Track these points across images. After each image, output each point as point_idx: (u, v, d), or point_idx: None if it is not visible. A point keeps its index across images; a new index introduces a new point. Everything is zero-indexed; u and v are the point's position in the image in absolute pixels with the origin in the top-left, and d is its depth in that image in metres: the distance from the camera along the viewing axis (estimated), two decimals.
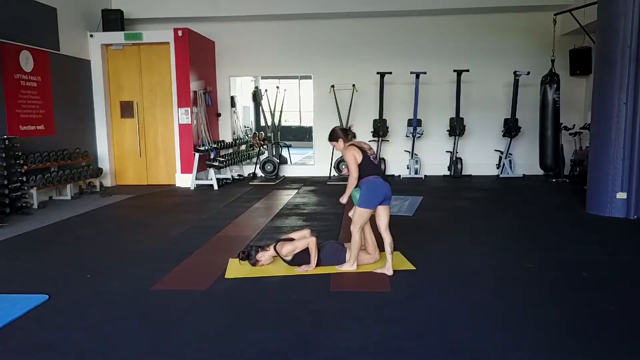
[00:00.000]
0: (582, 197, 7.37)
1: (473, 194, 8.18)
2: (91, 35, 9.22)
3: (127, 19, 9.66)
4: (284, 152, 11.33)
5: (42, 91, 7.94)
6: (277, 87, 10.22)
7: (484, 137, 10.19)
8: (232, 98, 11.08)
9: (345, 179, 4.51)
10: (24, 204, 6.94)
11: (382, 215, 4.20)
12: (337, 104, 9.98)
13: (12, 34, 7.29)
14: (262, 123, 12.88)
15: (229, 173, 9.82)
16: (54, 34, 8.28)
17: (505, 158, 9.84)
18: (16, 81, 7.39)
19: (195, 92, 9.33)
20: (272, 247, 4.32)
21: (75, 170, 8.19)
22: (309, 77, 10.86)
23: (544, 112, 7.43)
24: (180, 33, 8.99)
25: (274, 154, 10.27)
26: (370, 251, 4.31)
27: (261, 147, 10.32)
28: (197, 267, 4.37)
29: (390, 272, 4.07)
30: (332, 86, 10.00)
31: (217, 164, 9.04)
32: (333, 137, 4.31)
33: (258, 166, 10.25)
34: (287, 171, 10.73)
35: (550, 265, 4.31)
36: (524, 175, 9.87)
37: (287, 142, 12.01)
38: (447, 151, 10.18)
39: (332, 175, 9.97)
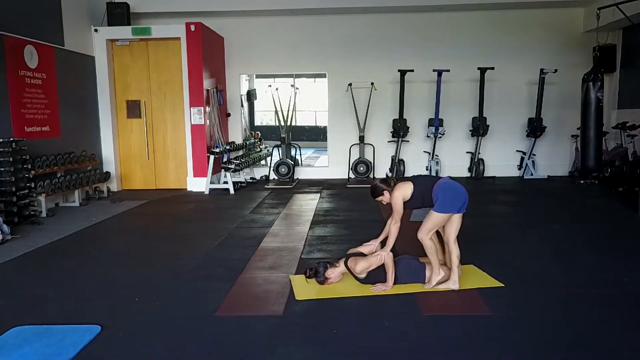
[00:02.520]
0: (622, 200, 7.13)
1: (505, 197, 7.84)
2: (96, 30, 8.62)
3: (133, 12, 9.06)
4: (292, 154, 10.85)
5: (47, 89, 7.33)
6: (293, 86, 9.72)
7: (505, 137, 9.86)
8: (249, 93, 10.56)
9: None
10: (32, 212, 6.36)
11: (456, 224, 3.82)
12: (354, 103, 9.55)
13: (16, 27, 6.68)
14: (257, 123, 12.64)
15: (242, 176, 9.31)
16: (59, 28, 7.67)
17: (529, 159, 9.54)
18: (21, 78, 6.79)
19: (207, 90, 8.79)
20: (342, 263, 3.87)
21: (83, 174, 7.60)
22: (310, 76, 10.39)
23: (586, 111, 7.10)
24: (192, 28, 8.45)
25: (287, 155, 9.79)
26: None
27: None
28: (257, 287, 3.89)
29: (456, 287, 3.71)
30: (350, 84, 9.57)
31: (233, 166, 8.52)
32: (377, 193, 3.91)
33: (271, 169, 9.75)
34: (300, 173, 10.25)
35: None
36: (548, 176, 9.57)
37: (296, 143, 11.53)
38: (467, 152, 9.85)
39: (350, 177, 9.54)
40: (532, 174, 9.52)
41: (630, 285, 3.82)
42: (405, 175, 9.54)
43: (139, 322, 3.28)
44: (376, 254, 3.80)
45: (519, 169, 9.79)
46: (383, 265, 3.75)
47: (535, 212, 6.81)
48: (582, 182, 8.82)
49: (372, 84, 9.53)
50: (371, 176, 9.42)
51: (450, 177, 3.98)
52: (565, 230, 5.67)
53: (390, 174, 9.30)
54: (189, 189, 8.84)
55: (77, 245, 5.32)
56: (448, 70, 9.20)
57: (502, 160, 9.90)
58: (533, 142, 9.47)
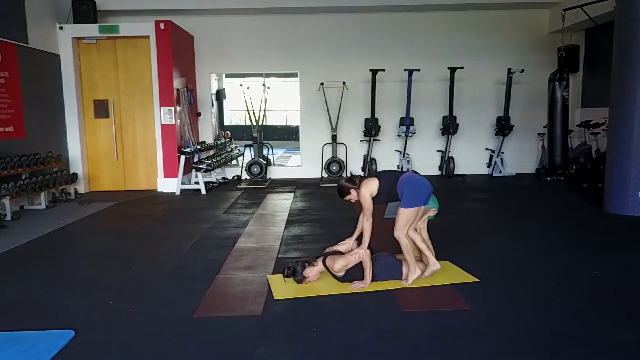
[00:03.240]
0: (588, 195, 7.34)
1: (475, 194, 7.98)
2: (61, 28, 8.37)
3: (100, 10, 8.85)
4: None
5: (10, 89, 7.08)
6: (264, 85, 9.66)
7: (474, 135, 10.04)
8: (219, 92, 10.46)
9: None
10: None
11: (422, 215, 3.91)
12: (326, 103, 9.57)
13: None
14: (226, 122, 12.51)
15: (213, 176, 9.21)
16: (22, 26, 7.42)
17: (497, 157, 9.74)
18: None
19: (178, 89, 8.66)
20: (320, 262, 3.86)
21: (49, 176, 7.38)
22: (281, 75, 10.36)
23: (553, 110, 7.30)
24: (162, 26, 8.30)
25: (259, 155, 9.72)
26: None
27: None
28: (234, 288, 3.84)
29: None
30: (322, 84, 9.57)
31: (204, 166, 8.42)
32: (344, 192, 3.94)
33: (243, 168, 9.67)
34: (273, 173, 10.20)
35: (612, 271, 4.08)
36: (516, 174, 9.80)
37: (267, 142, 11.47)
38: (437, 150, 9.98)
39: (323, 176, 9.55)
40: (500, 172, 9.73)
41: (600, 277, 3.93)
42: None
43: (115, 326, 3.20)
44: (354, 252, 3.81)
45: (488, 166, 9.98)
46: (361, 263, 3.77)
47: (505, 208, 6.96)
48: (548, 179, 9.06)
49: (343, 83, 9.56)
50: (344, 175, 9.45)
51: (415, 172, 4.03)
52: (536, 226, 5.82)
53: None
54: (159, 189, 8.69)
55: (45, 249, 5.16)
56: (419, 70, 9.30)
57: (471, 158, 10.07)
58: (501, 140, 9.68)
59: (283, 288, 3.75)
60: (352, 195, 3.89)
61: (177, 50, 8.59)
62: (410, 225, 3.84)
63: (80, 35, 8.49)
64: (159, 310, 3.44)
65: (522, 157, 10.08)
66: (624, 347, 2.81)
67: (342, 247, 4.08)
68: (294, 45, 9.86)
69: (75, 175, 8.12)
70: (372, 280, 3.77)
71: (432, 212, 4.07)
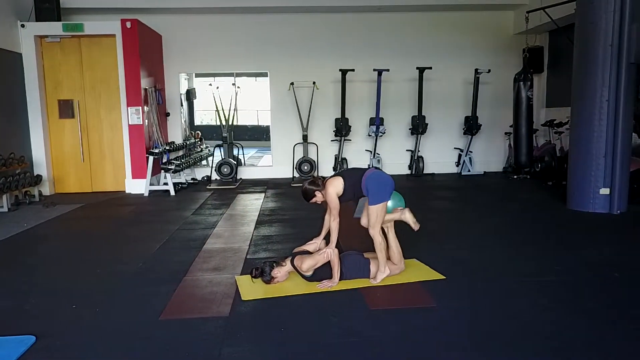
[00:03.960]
0: (553, 193, 7.53)
1: (445, 193, 8.10)
2: (22, 25, 8.15)
3: (64, 8, 8.65)
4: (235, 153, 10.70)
5: None
6: (234, 85, 9.60)
7: (443, 135, 10.18)
8: (189, 92, 10.35)
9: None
10: None
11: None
12: (297, 103, 9.56)
13: None
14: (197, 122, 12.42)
15: (183, 177, 9.10)
16: None
17: (466, 155, 9.89)
18: None
19: (145, 89, 8.52)
20: (288, 262, 3.86)
21: (12, 178, 7.17)
22: (251, 75, 10.31)
23: (518, 110, 7.47)
24: (128, 25, 8.16)
25: (229, 155, 9.65)
26: (395, 261, 3.97)
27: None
28: (202, 289, 3.81)
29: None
30: (292, 83, 9.57)
31: (173, 167, 8.31)
32: (309, 195, 3.92)
33: (213, 169, 9.58)
34: (243, 173, 10.14)
35: (574, 266, 4.19)
36: (484, 172, 9.97)
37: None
38: (407, 150, 10.09)
39: (294, 176, 9.54)
40: (469, 170, 9.89)
41: (561, 272, 4.04)
42: None
43: (78, 330, 3.13)
44: (322, 251, 3.82)
45: (457, 165, 10.13)
46: (329, 262, 3.78)
47: (473, 206, 7.08)
48: (515, 177, 9.25)
49: (314, 83, 9.57)
50: (315, 175, 9.46)
51: (377, 168, 4.07)
52: (502, 223, 5.94)
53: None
54: (127, 191, 8.54)
55: (6, 253, 5.02)
56: (388, 70, 9.37)
57: (440, 157, 10.21)
58: (470, 139, 9.84)
59: (251, 289, 3.73)
60: (318, 197, 3.89)
61: (144, 49, 8.46)
62: (382, 220, 3.87)
63: (43, 33, 8.28)
64: (124, 314, 3.38)
65: (489, 155, 10.27)
66: (584, 338, 2.89)
67: (310, 246, 4.08)
68: (263, 45, 9.83)
69: (39, 177, 7.91)
70: (340, 279, 3.79)
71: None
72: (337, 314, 3.28)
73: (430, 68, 9.47)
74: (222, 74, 11.73)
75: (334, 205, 3.81)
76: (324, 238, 4.09)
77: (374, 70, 9.34)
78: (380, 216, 3.82)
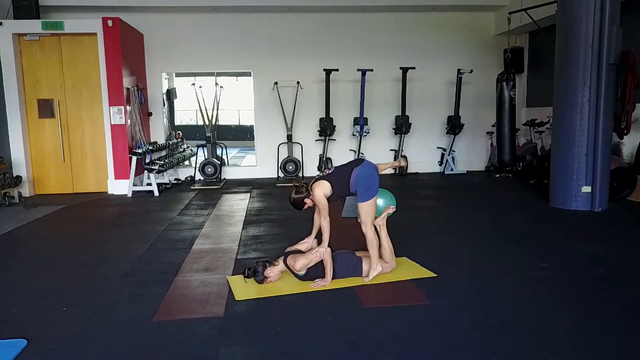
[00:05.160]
0: (535, 191, 7.66)
1: (429, 192, 8.17)
2: (0, 23, 7.96)
3: (43, 5, 8.48)
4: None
5: None
6: (217, 84, 9.53)
7: (426, 134, 10.26)
8: (169, 92, 10.23)
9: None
10: None
11: None
12: (281, 102, 9.54)
13: None
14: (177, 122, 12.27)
15: (166, 177, 9.01)
16: None
17: (449, 155, 10.00)
18: None
19: (128, 89, 8.41)
20: (281, 262, 3.86)
21: None
22: (233, 74, 10.23)
23: (501, 109, 7.58)
24: (110, 23, 8.04)
25: (213, 155, 9.57)
26: (387, 259, 3.99)
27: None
28: (194, 290, 3.78)
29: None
30: (276, 83, 9.54)
31: (157, 167, 8.21)
32: (300, 205, 3.90)
33: (197, 169, 9.50)
34: (227, 173, 10.08)
35: (559, 263, 4.27)
36: (467, 171, 10.09)
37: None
38: (391, 149, 10.15)
39: (279, 176, 9.51)
40: (452, 170, 9.99)
41: (548, 269, 4.12)
42: None
43: (70, 333, 3.08)
44: (314, 250, 3.83)
45: (440, 164, 10.23)
46: (322, 261, 3.79)
47: (457, 205, 7.16)
48: (497, 176, 9.39)
49: (298, 83, 9.56)
50: (300, 175, 9.45)
51: (360, 159, 4.09)
52: (487, 221, 6.02)
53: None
54: (109, 191, 8.42)
55: None
56: (372, 70, 9.42)
57: (423, 156, 10.29)
58: (452, 139, 9.95)
59: (244, 289, 3.72)
60: (309, 203, 3.89)
61: (126, 48, 8.35)
62: (373, 216, 3.90)
63: (21, 31, 8.10)
64: (115, 315, 3.34)
65: (472, 155, 10.40)
66: (575, 330, 2.96)
67: (302, 246, 4.09)
68: (247, 44, 9.78)
69: (19, 178, 7.75)
70: (333, 278, 3.80)
71: (391, 210, 4.14)
72: (332, 313, 3.29)
73: (414, 68, 9.54)
74: (203, 74, 11.67)
75: (323, 206, 3.81)
76: (315, 237, 4.11)
77: (358, 70, 9.36)
78: (371, 212, 3.86)
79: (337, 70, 9.40)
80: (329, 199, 3.85)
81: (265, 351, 2.81)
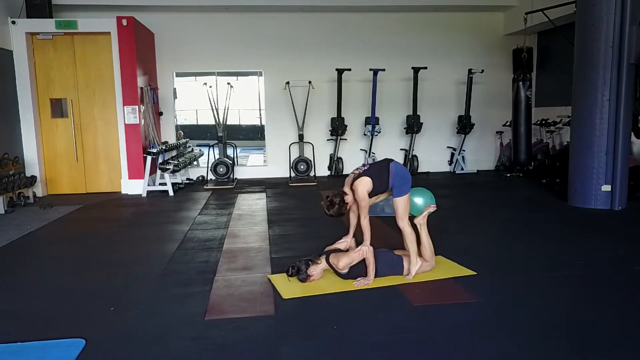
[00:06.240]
0: (548, 190, 7.72)
1: (442, 191, 8.14)
2: (13, 22, 7.90)
3: (55, 5, 8.43)
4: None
5: None
6: (228, 84, 9.51)
7: (436, 134, 10.32)
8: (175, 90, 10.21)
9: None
10: None
11: None
12: (292, 102, 9.55)
13: None
14: (179, 122, 12.21)
15: (179, 177, 8.98)
16: None
17: (459, 154, 10.05)
18: None
19: (141, 88, 8.38)
20: (323, 260, 3.87)
21: (6, 179, 6.96)
22: (233, 74, 10.20)
23: (517, 109, 7.65)
24: (124, 22, 8.01)
25: (224, 154, 9.56)
26: (427, 257, 4.02)
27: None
28: (238, 289, 3.78)
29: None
30: (287, 83, 9.54)
31: (171, 167, 8.19)
32: (341, 210, 3.91)
33: (209, 168, 9.48)
34: (238, 173, 10.05)
35: (594, 260, 4.32)
36: (477, 170, 10.16)
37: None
38: (401, 149, 10.19)
39: (291, 176, 9.51)
40: (462, 169, 10.05)
41: (584, 267, 4.16)
42: (345, 173, 9.63)
43: (124, 332, 3.07)
44: (357, 249, 3.84)
45: (450, 164, 10.29)
46: (363, 260, 3.81)
47: (475, 204, 7.21)
48: (508, 175, 9.45)
49: (309, 82, 9.57)
50: (312, 174, 9.46)
51: (391, 160, 4.12)
52: (509, 220, 6.07)
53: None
54: (123, 191, 8.39)
55: (19, 256, 4.88)
56: (383, 70, 9.45)
57: (433, 156, 10.34)
58: (463, 138, 10.00)
59: (288, 287, 3.72)
60: (349, 201, 3.92)
61: (139, 47, 8.32)
62: (408, 210, 3.96)
63: (35, 30, 8.06)
64: (164, 315, 3.33)
65: (481, 154, 10.46)
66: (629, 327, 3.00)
67: (341, 245, 4.11)
68: (258, 44, 9.78)
69: (34, 178, 7.69)
70: (375, 277, 3.82)
71: (432, 209, 4.17)
72: (382, 311, 3.31)
73: (426, 68, 9.58)
74: (203, 74, 11.62)
75: (366, 203, 3.84)
76: (353, 236, 4.13)
77: (370, 69, 9.40)
78: (406, 207, 3.94)
79: (349, 69, 9.42)
80: (370, 194, 3.88)
81: (324, 349, 2.82)
